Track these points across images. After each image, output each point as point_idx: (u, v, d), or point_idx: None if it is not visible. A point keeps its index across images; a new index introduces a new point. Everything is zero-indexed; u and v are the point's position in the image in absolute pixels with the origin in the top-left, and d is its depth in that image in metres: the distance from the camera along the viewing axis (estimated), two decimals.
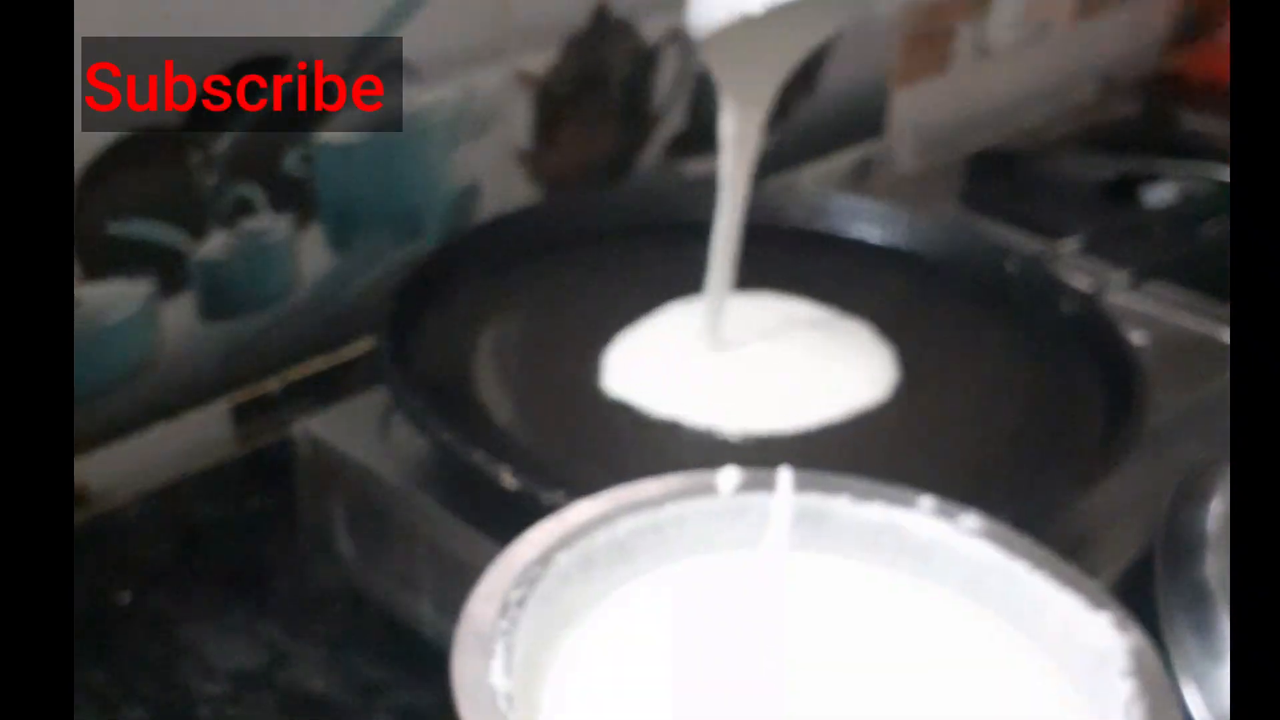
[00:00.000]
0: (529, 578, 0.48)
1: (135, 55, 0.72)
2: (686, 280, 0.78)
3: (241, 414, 0.84)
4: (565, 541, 0.50)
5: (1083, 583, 0.51)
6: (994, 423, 0.72)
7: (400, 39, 0.82)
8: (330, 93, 0.81)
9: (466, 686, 0.43)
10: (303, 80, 0.79)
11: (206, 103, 0.75)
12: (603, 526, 0.51)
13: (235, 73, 0.76)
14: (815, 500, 0.54)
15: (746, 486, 0.54)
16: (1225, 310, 0.92)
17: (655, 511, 0.53)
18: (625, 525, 0.52)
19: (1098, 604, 0.49)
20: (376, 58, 0.82)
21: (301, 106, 0.80)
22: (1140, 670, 0.47)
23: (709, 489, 0.54)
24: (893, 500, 0.54)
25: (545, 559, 0.49)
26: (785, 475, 0.54)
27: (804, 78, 1.08)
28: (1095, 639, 0.48)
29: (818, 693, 0.49)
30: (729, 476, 0.54)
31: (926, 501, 0.54)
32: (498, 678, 0.44)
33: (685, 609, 0.52)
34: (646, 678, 0.49)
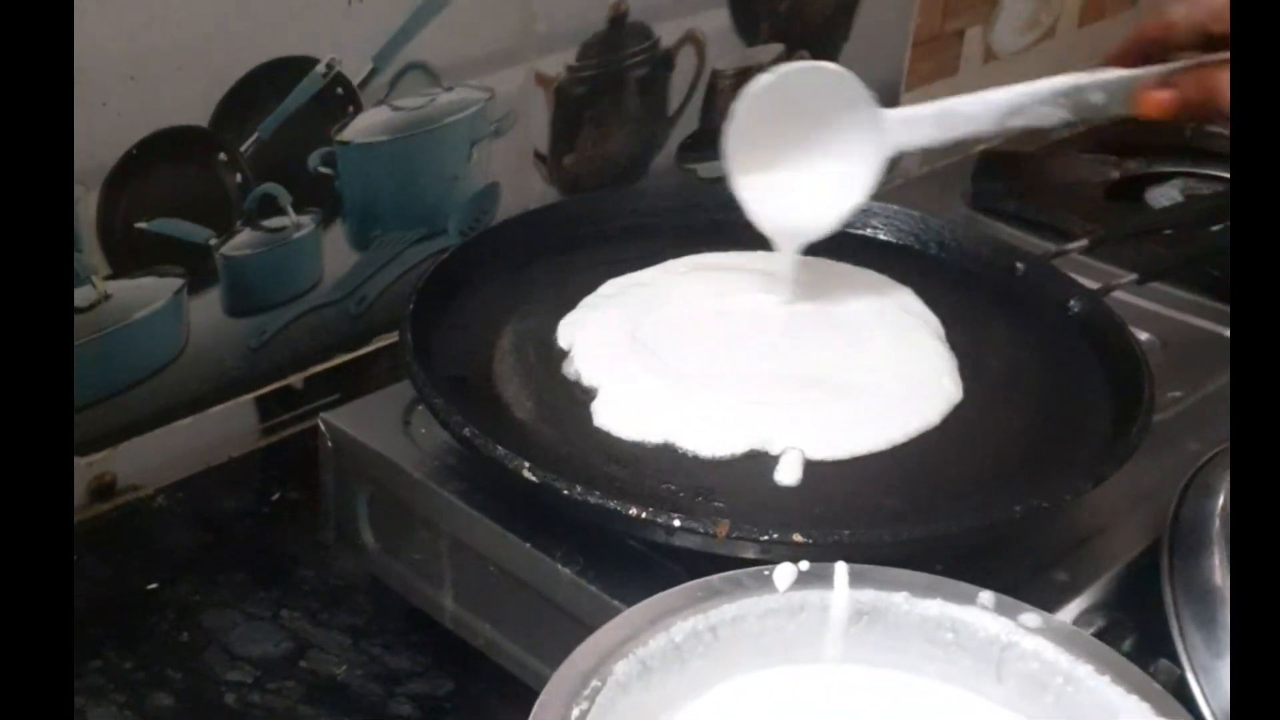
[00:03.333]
0: (589, 693, 0.48)
1: (164, 57, 0.74)
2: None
3: (266, 407, 0.85)
4: (621, 648, 0.50)
5: (1149, 688, 0.50)
6: (1003, 419, 0.73)
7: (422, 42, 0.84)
8: (353, 94, 0.82)
9: None
10: (327, 82, 0.81)
11: (232, 103, 0.77)
12: (658, 630, 0.51)
13: (261, 74, 0.78)
14: (872, 597, 0.53)
15: (802, 582, 0.53)
16: (1229, 309, 0.93)
17: (710, 613, 0.52)
18: (680, 629, 0.51)
19: (1168, 712, 0.48)
20: (399, 60, 0.83)
21: (325, 107, 0.81)
22: None
23: (765, 584, 0.53)
24: (952, 596, 0.53)
25: (603, 669, 0.49)
26: (841, 571, 0.53)
27: None
28: None
29: None
30: (785, 573, 0.53)
31: (986, 597, 0.53)
32: None
33: None
34: None
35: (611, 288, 0.81)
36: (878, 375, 0.74)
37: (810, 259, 0.83)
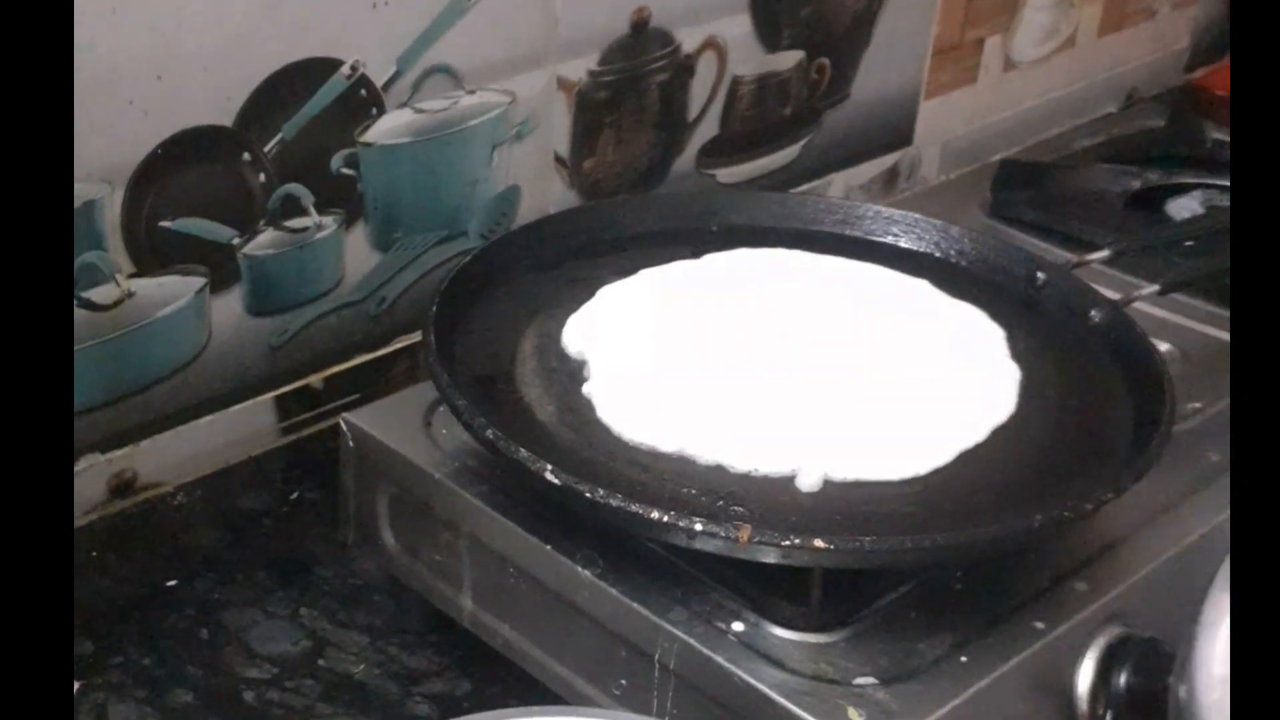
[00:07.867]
0: None
1: (191, 57, 0.74)
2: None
3: (286, 406, 0.86)
4: None
5: None
6: (1025, 430, 0.73)
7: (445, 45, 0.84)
8: (377, 96, 0.82)
9: None
10: (351, 84, 0.81)
11: (258, 104, 0.77)
12: None
13: (286, 75, 0.78)
14: None
15: None
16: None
17: None
18: None
19: None
20: (423, 63, 0.84)
21: (349, 109, 0.82)
22: None
23: None
24: None
25: None
26: None
27: (838, 88, 1.10)
28: None
29: None
30: None
31: None
32: None
33: None
34: None
35: (627, 290, 0.81)
36: (916, 392, 0.74)
37: (860, 264, 0.83)
